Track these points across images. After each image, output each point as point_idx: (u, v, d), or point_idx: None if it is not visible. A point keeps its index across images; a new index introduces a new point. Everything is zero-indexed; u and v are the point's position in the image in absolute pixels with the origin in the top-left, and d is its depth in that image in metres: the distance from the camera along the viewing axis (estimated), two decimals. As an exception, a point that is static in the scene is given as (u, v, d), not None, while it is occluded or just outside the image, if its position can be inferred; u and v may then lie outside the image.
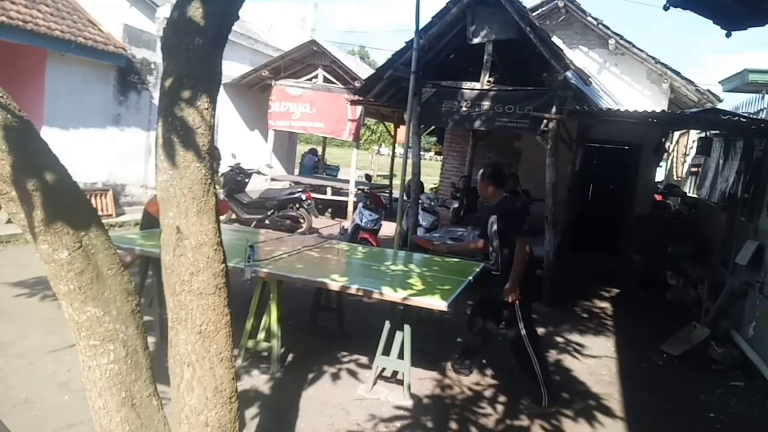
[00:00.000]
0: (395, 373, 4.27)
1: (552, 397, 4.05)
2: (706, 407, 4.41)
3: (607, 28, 10.89)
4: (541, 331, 5.79)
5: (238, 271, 4.05)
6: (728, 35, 3.83)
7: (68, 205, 1.93)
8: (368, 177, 11.19)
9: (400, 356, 4.01)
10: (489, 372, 4.65)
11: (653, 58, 10.74)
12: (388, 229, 9.31)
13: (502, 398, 4.16)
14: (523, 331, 4.04)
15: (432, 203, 8.98)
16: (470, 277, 4.46)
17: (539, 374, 4.03)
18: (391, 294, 3.82)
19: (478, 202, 9.67)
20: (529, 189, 8.89)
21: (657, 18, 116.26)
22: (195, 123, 2.02)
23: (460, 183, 10.27)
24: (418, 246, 4.88)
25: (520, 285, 4.02)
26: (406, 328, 3.97)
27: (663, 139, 10.50)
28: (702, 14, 3.61)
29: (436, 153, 21.38)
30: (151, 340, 2.96)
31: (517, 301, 4.02)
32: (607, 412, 4.13)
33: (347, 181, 12.56)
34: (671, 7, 3.42)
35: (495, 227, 4.24)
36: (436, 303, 3.74)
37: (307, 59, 12.34)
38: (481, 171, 4.41)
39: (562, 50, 6.84)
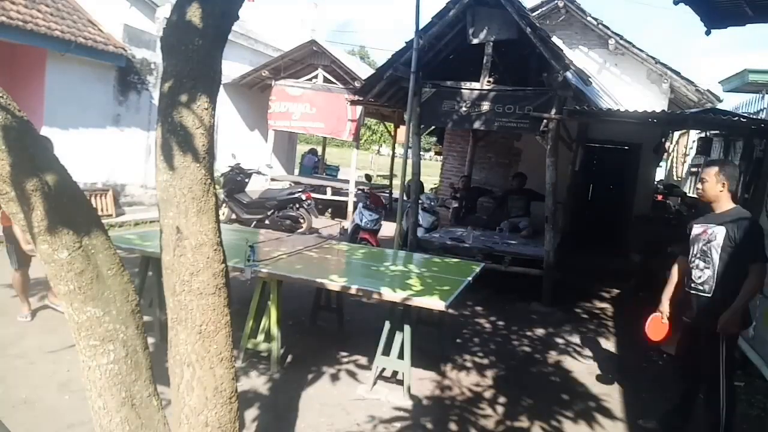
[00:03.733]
0: (395, 373, 4.28)
1: None
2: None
3: (607, 28, 10.91)
4: (540, 331, 5.82)
5: (238, 271, 4.06)
6: (708, 33, 3.88)
7: (68, 205, 1.93)
8: (368, 177, 11.20)
9: (400, 356, 4.01)
10: (489, 372, 4.65)
11: (653, 58, 10.76)
12: (388, 229, 9.31)
13: (501, 399, 4.16)
14: (723, 374, 3.32)
15: (432, 203, 8.98)
16: (469, 278, 4.45)
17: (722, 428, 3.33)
18: (390, 294, 3.82)
19: (478, 202, 9.68)
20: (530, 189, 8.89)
21: (649, 19, 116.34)
22: (195, 123, 2.02)
23: (460, 183, 10.27)
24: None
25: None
26: (406, 328, 3.97)
27: (663, 139, 10.50)
28: (696, 10, 3.64)
29: (436, 153, 21.38)
30: (151, 340, 2.96)
31: (724, 338, 3.34)
32: (607, 412, 4.13)
33: (347, 181, 12.56)
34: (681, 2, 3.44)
35: (722, 239, 3.37)
36: (436, 303, 3.75)
37: (307, 59, 12.35)
38: (715, 167, 3.46)
39: (562, 50, 6.84)
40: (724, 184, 3.42)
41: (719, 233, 3.39)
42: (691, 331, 3.61)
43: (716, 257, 3.40)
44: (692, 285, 3.52)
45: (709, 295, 3.43)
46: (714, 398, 3.40)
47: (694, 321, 3.53)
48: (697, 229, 3.56)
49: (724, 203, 3.46)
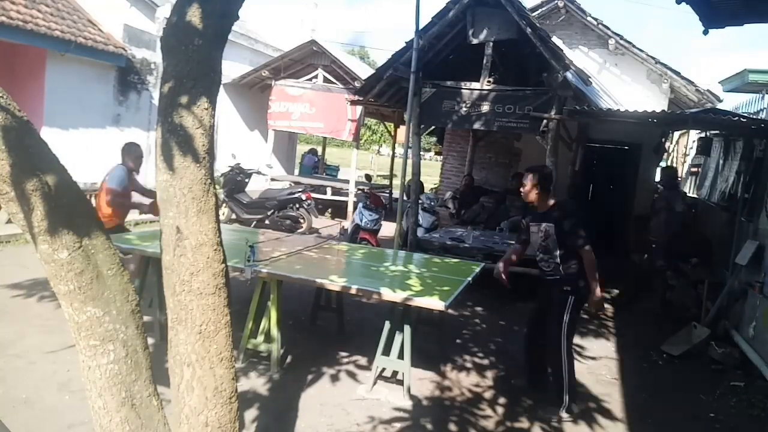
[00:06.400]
0: (395, 373, 4.27)
1: (573, 406, 3.94)
2: (706, 407, 4.41)
3: (607, 28, 10.90)
4: (541, 331, 5.82)
5: (238, 271, 4.06)
6: (705, 33, 3.89)
7: (68, 205, 1.93)
8: (368, 177, 11.20)
9: (400, 356, 4.01)
10: (489, 373, 4.65)
11: (653, 58, 10.75)
12: (388, 229, 9.31)
13: (501, 399, 4.16)
14: (565, 330, 3.92)
15: (432, 203, 8.98)
16: (469, 278, 4.45)
17: (566, 379, 3.92)
18: (390, 294, 3.82)
19: (479, 201, 9.68)
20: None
21: (648, 18, 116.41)
22: (194, 123, 2.02)
23: (463, 181, 10.27)
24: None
25: (585, 285, 3.95)
26: (406, 328, 3.97)
27: (663, 139, 10.50)
28: (696, 9, 3.64)
29: (436, 153, 21.39)
30: (151, 340, 2.96)
31: (572, 298, 3.93)
32: (607, 412, 4.12)
33: (347, 181, 12.56)
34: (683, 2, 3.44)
35: (551, 236, 3.96)
36: (436, 303, 3.75)
37: (307, 59, 12.35)
38: (529, 175, 4.01)
39: (562, 50, 6.84)
40: (536, 189, 3.97)
41: (546, 228, 3.98)
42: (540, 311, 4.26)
43: (555, 250, 3.99)
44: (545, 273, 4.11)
45: (557, 278, 4.02)
46: (555, 357, 3.96)
47: (544, 300, 4.16)
48: (537, 227, 4.07)
49: (542, 202, 4.02)
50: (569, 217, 3.97)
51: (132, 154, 5.29)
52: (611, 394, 4.45)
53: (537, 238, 4.06)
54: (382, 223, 8.40)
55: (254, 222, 9.55)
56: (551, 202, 4.03)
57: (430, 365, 4.56)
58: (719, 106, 10.20)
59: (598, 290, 3.96)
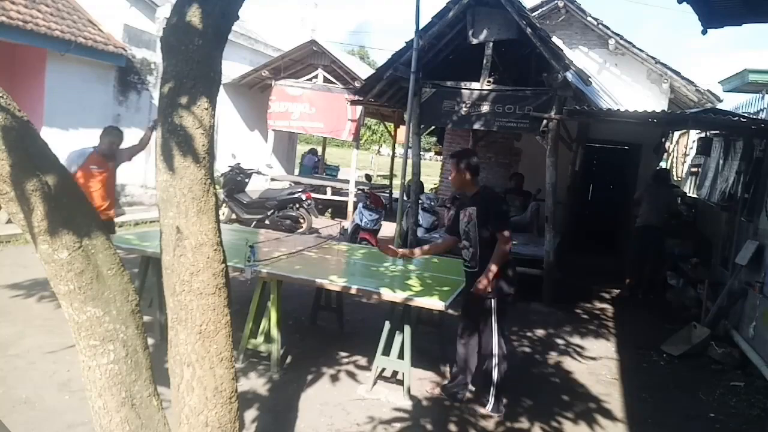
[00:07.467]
0: (395, 373, 4.27)
1: (498, 408, 3.87)
2: (706, 407, 4.41)
3: (607, 28, 10.90)
4: (540, 332, 5.82)
5: (238, 271, 4.06)
6: (704, 32, 3.88)
7: (68, 205, 1.93)
8: (368, 177, 11.20)
9: (400, 356, 4.01)
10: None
11: (653, 58, 10.75)
12: (388, 229, 9.31)
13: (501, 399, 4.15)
14: (495, 329, 3.84)
15: (432, 203, 8.98)
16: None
17: (495, 380, 3.87)
18: (390, 294, 3.82)
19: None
20: (529, 189, 8.91)
21: (647, 18, 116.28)
22: (194, 123, 2.02)
23: None
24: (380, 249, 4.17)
25: (497, 281, 3.76)
26: (406, 328, 3.97)
27: (663, 139, 10.49)
28: (696, 9, 3.64)
29: (436, 153, 21.39)
30: (151, 340, 2.96)
31: (494, 299, 3.80)
32: (607, 412, 4.12)
33: (347, 181, 12.56)
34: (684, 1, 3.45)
35: (473, 220, 3.88)
36: (435, 303, 3.75)
37: (307, 59, 12.35)
38: (453, 159, 4.04)
39: (562, 50, 6.84)
40: (465, 172, 3.97)
41: (470, 214, 3.91)
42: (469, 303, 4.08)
43: (473, 236, 3.89)
44: (466, 265, 4.01)
45: (475, 270, 3.88)
46: (487, 357, 3.92)
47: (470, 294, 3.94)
48: (465, 214, 4.00)
49: (471, 188, 4.02)
50: (492, 199, 4.02)
51: (102, 136, 5.58)
52: (611, 394, 4.45)
53: (463, 225, 3.98)
54: (382, 223, 8.40)
55: (254, 222, 9.56)
56: (476, 189, 4.04)
57: (430, 365, 4.56)
58: (719, 106, 10.20)
59: (487, 278, 3.67)
